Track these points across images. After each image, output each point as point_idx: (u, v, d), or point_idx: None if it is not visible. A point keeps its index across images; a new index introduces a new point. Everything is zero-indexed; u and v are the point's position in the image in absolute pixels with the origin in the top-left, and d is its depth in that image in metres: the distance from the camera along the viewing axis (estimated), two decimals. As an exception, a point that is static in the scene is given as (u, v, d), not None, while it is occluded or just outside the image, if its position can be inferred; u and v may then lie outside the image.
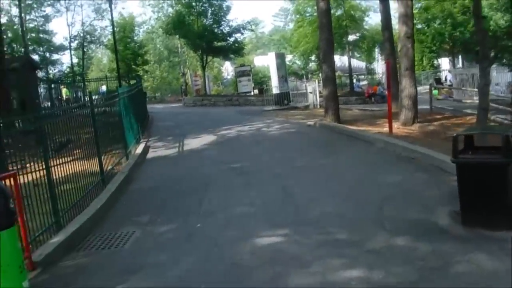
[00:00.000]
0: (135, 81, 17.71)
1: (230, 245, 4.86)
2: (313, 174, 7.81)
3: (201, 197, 6.99)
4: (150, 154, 11.58)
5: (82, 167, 7.53)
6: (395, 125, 13.67)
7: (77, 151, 7.92)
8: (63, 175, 6.40)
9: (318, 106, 21.00)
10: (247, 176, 8.09)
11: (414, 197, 5.99)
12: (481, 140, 5.14)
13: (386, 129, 13.03)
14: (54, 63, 36.54)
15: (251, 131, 13.95)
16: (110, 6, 21.85)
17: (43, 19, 35.12)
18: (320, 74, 16.56)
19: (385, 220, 5.15)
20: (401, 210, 5.49)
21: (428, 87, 21.44)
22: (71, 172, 6.79)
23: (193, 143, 12.57)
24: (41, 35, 35.40)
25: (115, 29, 40.84)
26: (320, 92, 22.32)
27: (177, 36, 33.23)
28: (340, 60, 44.82)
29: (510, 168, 4.33)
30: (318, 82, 22.84)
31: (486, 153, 4.65)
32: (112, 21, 21.76)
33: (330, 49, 15.50)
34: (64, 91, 22.12)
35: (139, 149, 11.81)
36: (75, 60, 39.39)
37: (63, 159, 6.82)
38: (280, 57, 23.17)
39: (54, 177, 6.03)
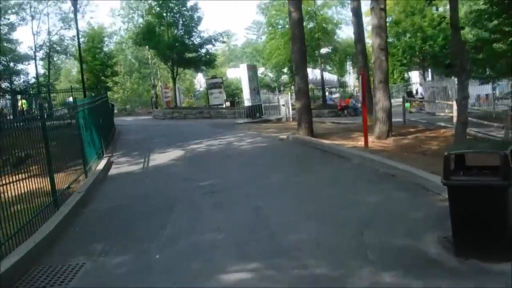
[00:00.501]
0: (97, 93, 16.78)
1: (192, 283, 4.19)
2: (287, 194, 7.22)
3: (165, 220, 6.31)
4: (113, 171, 10.79)
5: (35, 185, 6.76)
6: (370, 138, 13.28)
7: (35, 167, 7.21)
8: (10, 195, 5.64)
9: (291, 119, 20.57)
10: (216, 196, 7.44)
11: (398, 220, 5.45)
12: (472, 159, 4.64)
13: (361, 143, 12.65)
14: (18, 73, 35.03)
15: (222, 145, 13.31)
16: (75, 14, 20.80)
17: (7, 27, 33.68)
18: (293, 87, 16.09)
19: (368, 249, 4.57)
20: (384, 236, 4.93)
21: (400, 100, 21.35)
22: (20, 191, 6.02)
23: (160, 158, 11.84)
24: (5, 44, 33.95)
25: (83, 39, 40.06)
26: (292, 105, 21.96)
27: (147, 47, 32.37)
28: (312, 72, 44.73)
29: (510, 191, 3.82)
30: (291, 95, 22.46)
31: (481, 174, 4.15)
32: (77, 29, 20.72)
33: (303, 60, 15.07)
34: (22, 102, 20.96)
35: (101, 165, 11.01)
36: (42, 71, 38.06)
37: (15, 176, 6.08)
38: (252, 69, 22.69)
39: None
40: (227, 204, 6.90)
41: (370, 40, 19.71)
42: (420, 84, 33.69)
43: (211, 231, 5.65)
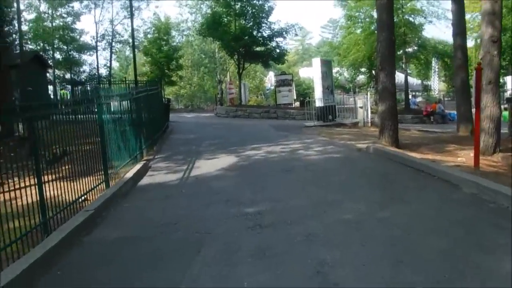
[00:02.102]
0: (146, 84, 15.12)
1: None
2: (370, 241, 4.84)
3: (185, 269, 4.29)
4: (145, 180, 8.92)
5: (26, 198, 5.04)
6: (470, 153, 10.72)
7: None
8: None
9: (369, 124, 18.02)
10: (265, 234, 5.23)
11: None
12: None
13: (461, 159, 10.22)
14: (77, 63, 34.87)
15: (284, 153, 11.09)
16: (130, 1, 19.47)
17: (71, 17, 33.60)
18: (375, 85, 13.56)
19: None
20: None
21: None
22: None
23: (206, 166, 9.86)
24: (69, 33, 33.96)
25: (149, 30, 39.54)
26: (372, 108, 19.33)
27: (212, 38, 30.75)
28: None
29: None
30: (370, 96, 19.82)
31: None
32: (131, 17, 19.51)
33: (390, 52, 12.50)
34: (62, 92, 19.94)
35: (133, 170, 9.22)
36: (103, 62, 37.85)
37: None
38: (326, 65, 20.23)
39: None
40: (277, 252, 4.66)
41: (481, 29, 16.62)
42: (523, 90, 29.65)
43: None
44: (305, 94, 43.31)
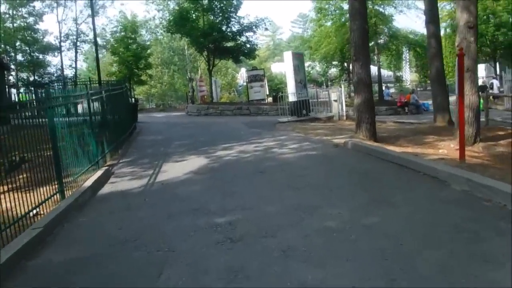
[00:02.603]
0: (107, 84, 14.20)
1: None
2: (356, 253, 4.20)
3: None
4: (106, 188, 8.13)
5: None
6: (451, 144, 10.36)
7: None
8: None
9: (344, 118, 17.54)
10: (236, 249, 4.55)
11: None
12: None
13: (442, 150, 9.84)
14: (41, 65, 33.39)
15: (258, 152, 10.42)
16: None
17: (34, 17, 32.10)
18: (347, 78, 13.00)
19: None
20: None
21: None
22: None
23: (174, 170, 9.12)
24: (31, 34, 32.48)
25: (115, 29, 38.28)
26: (346, 101, 18.86)
27: (179, 35, 29.76)
28: None
29: None
30: (344, 88, 19.33)
31: None
32: (92, 13, 18.46)
33: (365, 42, 12.00)
34: (21, 96, 18.83)
35: (93, 178, 8.42)
36: (68, 62, 36.33)
37: None
38: (299, 58, 19.62)
39: None
40: (251, 273, 3.98)
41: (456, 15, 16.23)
42: (494, 78, 29.68)
43: None
44: (277, 89, 42.72)
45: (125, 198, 7.30)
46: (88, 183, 8.11)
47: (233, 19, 28.08)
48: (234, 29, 28.27)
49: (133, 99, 24.47)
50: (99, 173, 9.06)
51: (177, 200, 6.80)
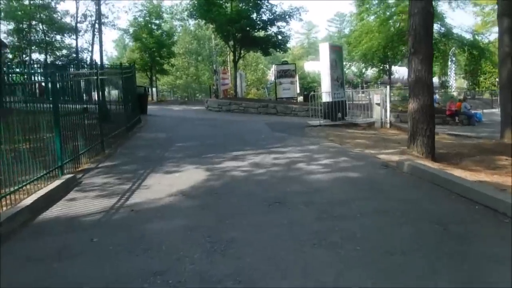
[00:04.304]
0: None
1: None
2: None
3: None
4: (54, 210, 5.71)
5: None
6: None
7: None
8: None
9: (388, 125, 14.76)
10: None
11: None
12: None
13: None
14: (53, 45, 31.42)
15: (277, 167, 7.81)
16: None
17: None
18: (407, 73, 10.24)
19: None
20: None
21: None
22: None
23: (159, 186, 6.66)
24: (49, 13, 30.57)
25: (139, 13, 36.16)
26: (392, 106, 16.14)
27: (203, 21, 27.28)
28: (397, 72, 37.98)
29: None
30: (390, 90, 16.55)
31: None
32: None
33: (428, 29, 9.32)
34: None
35: (41, 193, 6.06)
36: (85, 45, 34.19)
37: None
38: (336, 52, 16.86)
39: None
40: None
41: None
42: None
43: None
44: (309, 88, 39.98)
45: (68, 233, 4.83)
46: (29, 200, 5.71)
47: (264, 7, 25.44)
48: (264, 18, 25.63)
49: (143, 87, 22.10)
50: (56, 183, 6.67)
51: (138, 248, 4.27)
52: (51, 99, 7.35)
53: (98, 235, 4.70)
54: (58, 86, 7.65)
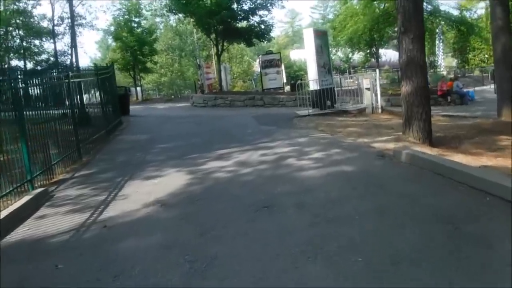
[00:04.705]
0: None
1: None
2: None
3: None
4: (19, 231, 5.19)
5: None
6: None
7: None
8: None
9: (380, 110, 14.29)
10: None
11: None
12: None
13: None
14: (30, 50, 30.52)
15: (265, 165, 7.27)
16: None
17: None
18: (396, 55, 9.65)
19: None
20: None
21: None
22: None
23: (136, 195, 6.12)
24: (28, 19, 29.63)
25: (118, 12, 35.31)
26: (381, 88, 15.66)
27: (182, 14, 26.50)
28: (385, 54, 37.55)
29: None
30: (379, 73, 16.06)
31: None
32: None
33: (418, 6, 8.79)
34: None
35: (9, 210, 5.62)
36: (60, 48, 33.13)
37: None
38: (321, 37, 16.29)
39: None
40: None
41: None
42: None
43: None
44: (296, 76, 39.36)
45: (31, 260, 4.27)
46: (-8, 220, 5.17)
47: (243, -5, 24.78)
48: (245, 7, 24.94)
49: (125, 88, 21.45)
50: (23, 200, 6.10)
51: (108, 274, 3.72)
52: (13, 107, 6.76)
53: (64, 260, 4.15)
54: (21, 93, 7.05)
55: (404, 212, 4.50)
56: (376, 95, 14.42)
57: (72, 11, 16.07)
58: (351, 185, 5.69)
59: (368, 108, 14.42)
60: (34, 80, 7.92)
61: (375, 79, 14.74)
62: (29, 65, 31.43)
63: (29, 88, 7.68)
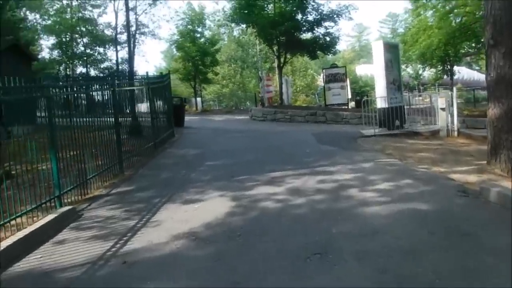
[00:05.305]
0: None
1: None
2: None
3: None
4: (31, 259, 4.63)
5: None
6: None
7: None
8: None
9: (456, 133, 12.90)
10: None
11: None
12: None
13: None
14: (90, 56, 31.22)
15: (321, 196, 6.28)
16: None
17: (97, 9, 30.08)
18: (487, 70, 8.32)
19: None
20: None
21: None
22: None
23: (169, 223, 5.40)
24: (94, 27, 30.43)
25: (181, 22, 35.57)
26: (459, 111, 14.28)
27: (244, 25, 25.99)
28: (459, 71, 35.50)
29: None
30: (457, 92, 14.67)
31: None
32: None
33: (511, 15, 7.52)
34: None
35: (26, 231, 5.11)
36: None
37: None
38: (392, 51, 15.12)
39: None
40: None
41: None
42: None
43: None
44: (362, 92, 37.95)
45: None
46: (4, 244, 4.62)
47: (310, 6, 23.88)
48: (310, 18, 24.06)
49: (180, 98, 21.12)
50: (46, 220, 5.52)
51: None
52: (45, 115, 6.24)
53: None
54: (54, 100, 6.53)
55: (505, 279, 3.41)
56: (452, 116, 13.05)
57: (128, 20, 15.90)
58: (428, 229, 4.62)
59: (443, 131, 13.07)
60: (67, 89, 7.42)
61: (452, 98, 13.37)
62: (93, 72, 32.28)
63: (64, 96, 7.18)
